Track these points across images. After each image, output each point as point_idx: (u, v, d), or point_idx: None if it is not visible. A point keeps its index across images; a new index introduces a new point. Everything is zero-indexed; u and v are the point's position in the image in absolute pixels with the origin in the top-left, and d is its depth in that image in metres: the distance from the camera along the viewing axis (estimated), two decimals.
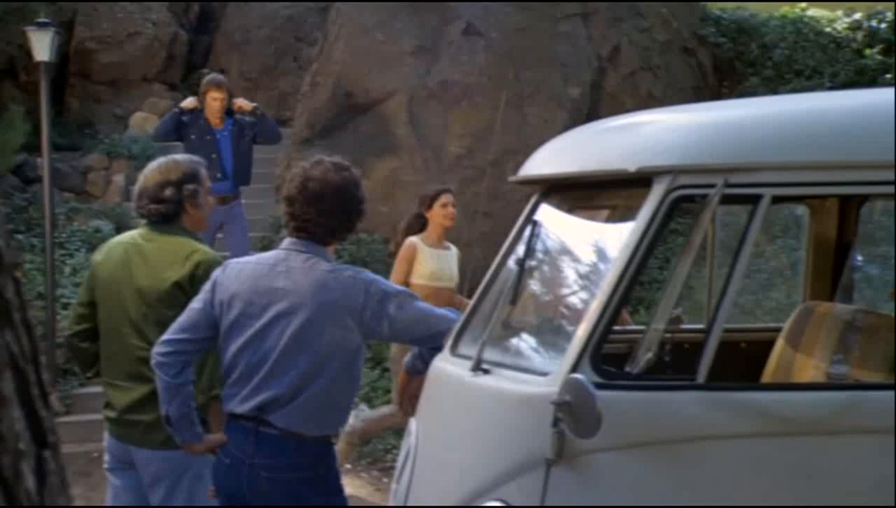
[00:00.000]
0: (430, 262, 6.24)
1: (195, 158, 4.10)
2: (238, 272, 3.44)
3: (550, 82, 10.33)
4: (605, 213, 3.37)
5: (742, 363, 3.92)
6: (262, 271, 3.40)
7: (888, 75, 12.06)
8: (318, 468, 3.35)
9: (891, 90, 2.98)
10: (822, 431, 2.67)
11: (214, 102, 8.05)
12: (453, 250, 6.44)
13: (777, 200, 2.82)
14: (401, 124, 10.17)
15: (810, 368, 3.40)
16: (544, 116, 9.94)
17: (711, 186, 2.70)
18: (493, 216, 9.31)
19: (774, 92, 10.76)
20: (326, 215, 3.38)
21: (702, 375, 2.67)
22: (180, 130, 8.03)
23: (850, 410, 2.66)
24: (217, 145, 7.99)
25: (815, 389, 2.89)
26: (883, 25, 12.74)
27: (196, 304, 3.46)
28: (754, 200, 2.74)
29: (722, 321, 2.71)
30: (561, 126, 8.59)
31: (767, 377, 3.71)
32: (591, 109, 10.24)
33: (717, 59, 12.31)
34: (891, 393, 2.78)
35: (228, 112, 8.15)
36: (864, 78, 11.93)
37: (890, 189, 2.84)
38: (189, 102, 8.13)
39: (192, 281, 3.73)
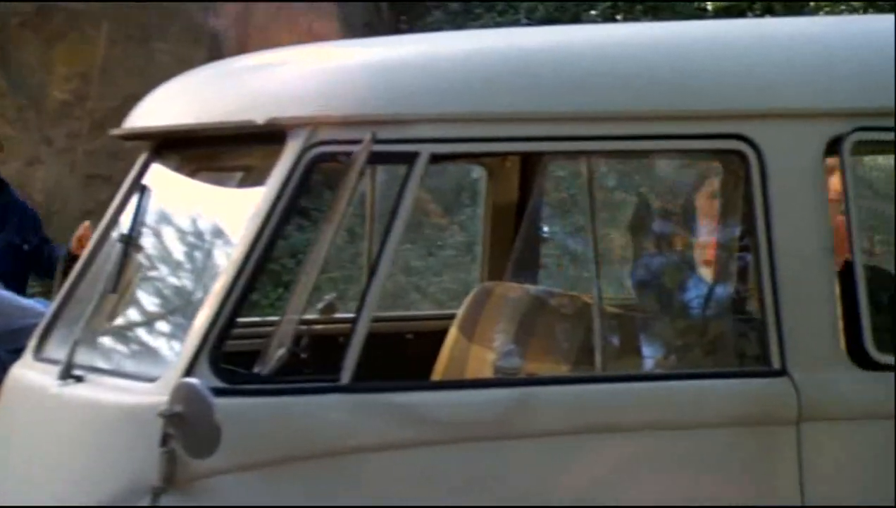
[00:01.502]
0: None
1: None
2: None
3: (185, 11, 10.22)
4: (235, 176, 3.37)
5: (411, 359, 4.04)
6: None
7: (593, 12, 12.75)
8: None
9: (580, 29, 3.14)
10: (489, 436, 2.79)
11: None
12: None
13: (437, 158, 2.92)
14: None
15: (484, 361, 3.55)
16: (177, 53, 9.83)
17: (358, 141, 2.76)
18: (113, 181, 9.11)
19: (461, 28, 11.12)
20: None
21: (347, 374, 2.72)
22: None
23: (521, 410, 2.80)
24: None
25: (482, 386, 3.00)
26: None
27: None
28: (409, 158, 2.82)
29: (371, 308, 2.78)
30: (198, 66, 8.51)
31: (438, 373, 3.84)
32: (238, 46, 10.20)
33: None
34: (569, 388, 2.95)
35: None
36: (566, 15, 12.54)
37: (573, 145, 3.01)
38: None
39: None
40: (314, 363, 2.87)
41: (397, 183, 2.87)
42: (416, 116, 2.83)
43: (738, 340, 3.24)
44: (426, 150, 2.82)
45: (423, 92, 2.87)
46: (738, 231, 3.29)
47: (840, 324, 3.00)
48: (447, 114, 2.86)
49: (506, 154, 4.00)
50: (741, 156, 2.99)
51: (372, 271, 2.83)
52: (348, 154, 2.76)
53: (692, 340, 3.44)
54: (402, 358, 3.96)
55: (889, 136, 3.06)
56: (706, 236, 3.97)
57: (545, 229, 4.55)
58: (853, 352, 3.00)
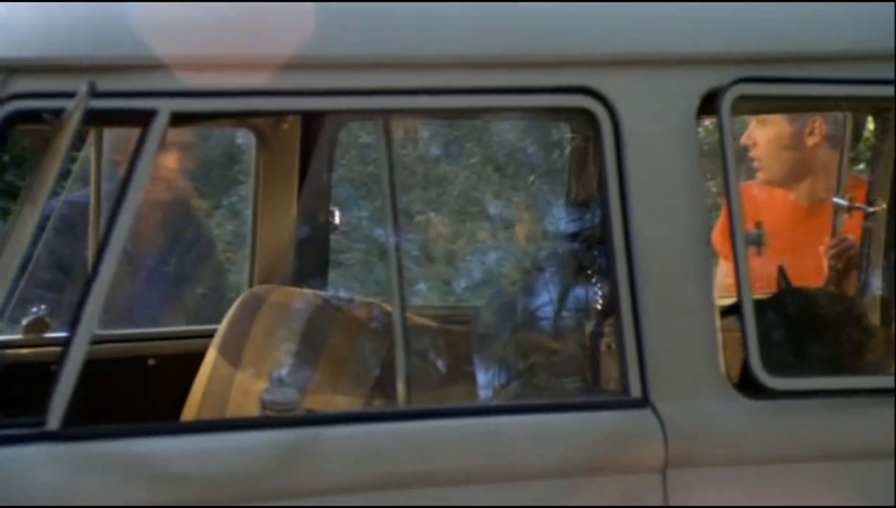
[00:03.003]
0: None
1: None
2: None
3: None
4: None
5: (152, 393, 4.00)
6: None
7: None
8: None
9: None
10: (255, 494, 2.79)
11: None
12: None
13: (182, 119, 2.90)
14: None
15: (251, 394, 3.53)
16: None
17: (70, 94, 2.72)
18: None
19: None
20: None
21: (56, 416, 2.68)
22: None
23: (297, 459, 2.81)
24: None
25: (246, 428, 2.97)
26: None
27: None
28: (143, 118, 2.80)
29: (90, 323, 2.74)
30: None
31: (190, 412, 3.81)
32: None
33: None
34: (362, 428, 2.95)
35: None
36: None
37: (366, 102, 3.02)
38: None
39: None
40: (11, 402, 2.83)
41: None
42: (151, 60, 2.79)
43: (590, 361, 3.26)
44: (166, 106, 2.80)
45: (162, 28, 2.83)
46: (591, 217, 3.31)
47: (719, 339, 3.06)
48: (194, 58, 2.83)
49: (278, 113, 3.97)
50: (590, 116, 3.02)
51: (93, 272, 2.79)
52: (57, 112, 2.73)
53: (532, 361, 3.46)
54: (140, 393, 3.93)
55: (780, 89, 3.12)
56: (553, 223, 4.00)
57: (337, 213, 4.52)
58: (737, 376, 3.07)
